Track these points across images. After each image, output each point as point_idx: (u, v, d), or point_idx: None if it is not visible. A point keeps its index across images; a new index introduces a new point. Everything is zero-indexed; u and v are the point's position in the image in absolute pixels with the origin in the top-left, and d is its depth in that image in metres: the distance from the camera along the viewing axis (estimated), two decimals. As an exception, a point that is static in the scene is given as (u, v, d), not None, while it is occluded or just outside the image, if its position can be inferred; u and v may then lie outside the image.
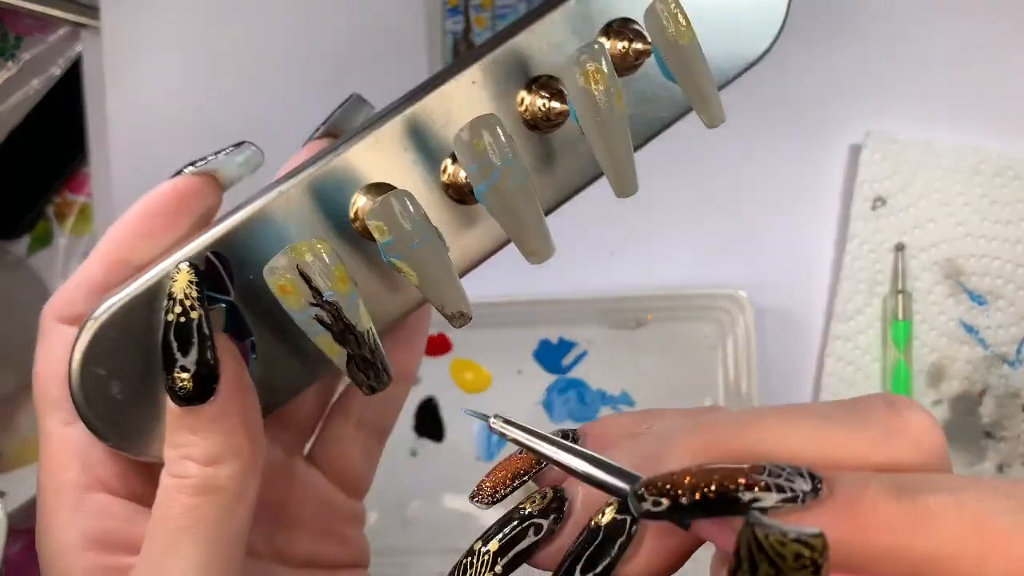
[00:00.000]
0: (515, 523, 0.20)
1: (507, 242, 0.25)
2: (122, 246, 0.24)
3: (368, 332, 0.22)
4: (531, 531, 0.19)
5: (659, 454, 0.18)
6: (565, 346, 0.51)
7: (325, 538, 0.29)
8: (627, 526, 0.18)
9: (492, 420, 0.20)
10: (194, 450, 0.22)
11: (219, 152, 0.25)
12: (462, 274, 0.25)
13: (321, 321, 0.21)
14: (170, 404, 0.22)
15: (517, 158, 0.21)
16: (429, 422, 0.52)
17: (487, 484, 0.22)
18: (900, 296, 0.48)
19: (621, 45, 0.24)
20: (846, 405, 0.18)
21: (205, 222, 0.25)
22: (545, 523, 0.19)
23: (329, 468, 0.29)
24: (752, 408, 0.19)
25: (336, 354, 0.22)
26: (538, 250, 0.23)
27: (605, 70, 0.21)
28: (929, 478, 0.16)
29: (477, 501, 0.21)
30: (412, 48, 0.52)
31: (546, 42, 0.24)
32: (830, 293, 0.51)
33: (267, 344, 0.24)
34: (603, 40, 0.24)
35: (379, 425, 0.30)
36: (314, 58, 0.53)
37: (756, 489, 0.16)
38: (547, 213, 0.25)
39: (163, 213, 0.24)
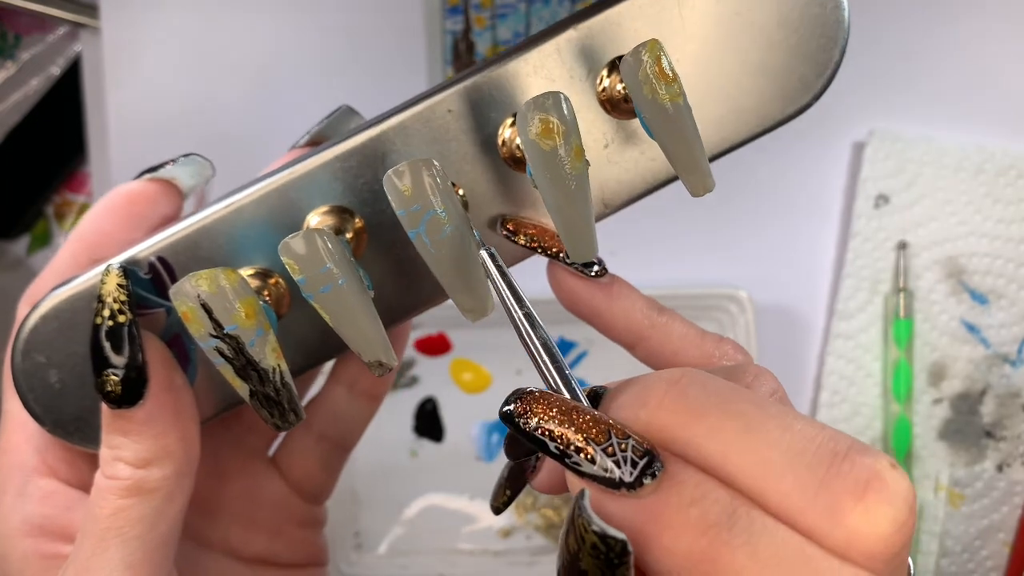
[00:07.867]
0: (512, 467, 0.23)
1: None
2: (86, 241, 0.25)
3: (274, 370, 0.21)
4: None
5: (629, 402, 0.18)
6: (565, 346, 0.51)
7: (279, 538, 0.29)
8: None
9: (483, 250, 0.20)
10: (125, 452, 0.22)
11: (169, 162, 0.26)
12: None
13: (222, 353, 0.20)
14: (103, 405, 0.22)
15: (450, 207, 0.20)
16: (429, 422, 0.52)
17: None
18: (902, 294, 0.48)
19: (620, 87, 0.22)
20: (823, 466, 0.16)
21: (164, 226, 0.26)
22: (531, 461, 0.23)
23: (289, 474, 0.30)
24: (750, 400, 0.18)
25: (239, 387, 0.21)
26: (473, 307, 0.21)
27: (560, 124, 0.19)
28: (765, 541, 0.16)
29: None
30: (412, 48, 0.52)
31: (542, 76, 0.23)
32: (831, 291, 0.51)
33: None
34: (604, 73, 0.23)
35: (341, 440, 0.30)
36: (314, 58, 0.53)
37: (582, 456, 0.17)
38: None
39: (115, 212, 0.25)
